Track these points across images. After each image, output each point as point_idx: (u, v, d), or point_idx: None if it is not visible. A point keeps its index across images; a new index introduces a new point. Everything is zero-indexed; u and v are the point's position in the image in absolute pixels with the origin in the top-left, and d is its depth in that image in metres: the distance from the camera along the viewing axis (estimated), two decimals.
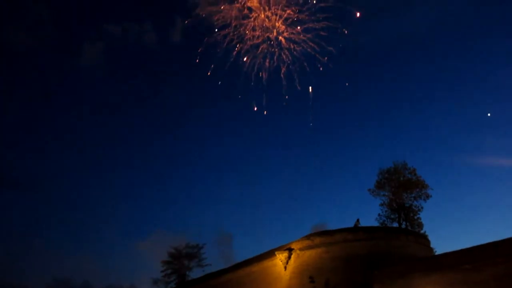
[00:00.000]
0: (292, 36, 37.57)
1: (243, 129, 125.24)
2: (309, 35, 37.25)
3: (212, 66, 41.73)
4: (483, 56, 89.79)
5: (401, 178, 44.73)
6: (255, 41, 38.07)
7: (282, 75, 40.03)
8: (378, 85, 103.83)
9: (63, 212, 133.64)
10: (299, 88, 40.88)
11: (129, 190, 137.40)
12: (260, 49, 38.60)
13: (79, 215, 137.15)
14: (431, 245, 36.94)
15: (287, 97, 43.13)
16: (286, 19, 36.95)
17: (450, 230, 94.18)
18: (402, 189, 44.34)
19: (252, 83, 40.79)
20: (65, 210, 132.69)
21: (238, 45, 38.42)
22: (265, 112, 44.58)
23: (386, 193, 45.51)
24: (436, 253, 35.24)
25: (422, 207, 44.74)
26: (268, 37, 37.44)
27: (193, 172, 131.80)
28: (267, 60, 39.42)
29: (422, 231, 42.26)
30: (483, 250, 23.24)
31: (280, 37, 37.91)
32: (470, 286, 22.06)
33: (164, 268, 65.64)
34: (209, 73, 42.28)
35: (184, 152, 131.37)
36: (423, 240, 35.82)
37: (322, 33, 36.73)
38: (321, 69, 38.29)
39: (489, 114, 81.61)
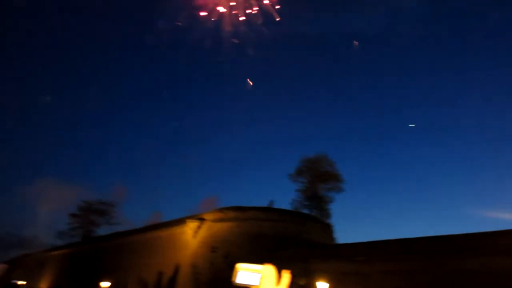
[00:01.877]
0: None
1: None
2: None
3: None
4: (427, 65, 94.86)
5: (320, 169, 46.85)
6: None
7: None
8: (319, 77, 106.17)
9: None
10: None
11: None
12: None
13: None
14: (334, 235, 39.36)
15: None
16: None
17: (354, 224, 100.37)
18: (318, 179, 46.47)
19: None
20: None
21: None
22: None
23: (304, 181, 47.54)
24: (337, 243, 37.54)
25: (333, 199, 47.37)
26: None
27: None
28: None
29: (329, 221, 44.73)
30: (376, 246, 25.37)
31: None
32: (361, 277, 23.94)
33: (71, 221, 63.67)
34: None
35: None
36: (328, 229, 37.98)
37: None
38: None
39: (413, 125, 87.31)
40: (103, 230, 61.58)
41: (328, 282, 23.08)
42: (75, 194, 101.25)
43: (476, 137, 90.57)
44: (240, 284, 1.55)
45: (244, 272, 1.57)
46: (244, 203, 37.37)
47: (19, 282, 48.22)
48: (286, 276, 1.58)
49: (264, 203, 37.51)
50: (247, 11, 33.78)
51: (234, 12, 34.67)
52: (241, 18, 34.29)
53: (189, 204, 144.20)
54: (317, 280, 22.94)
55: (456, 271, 19.77)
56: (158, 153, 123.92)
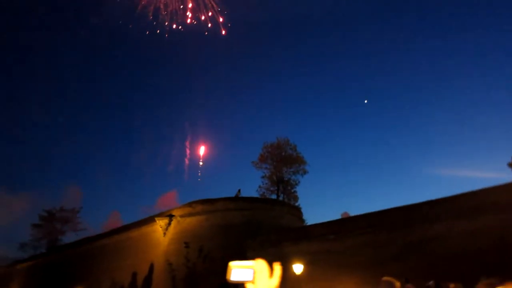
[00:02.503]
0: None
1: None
2: None
3: None
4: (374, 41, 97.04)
5: (283, 153, 47.34)
6: None
7: None
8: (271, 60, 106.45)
9: None
10: None
11: None
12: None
13: None
14: (303, 217, 40.09)
15: None
16: None
17: (321, 204, 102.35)
18: (282, 164, 46.98)
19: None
20: None
21: None
22: None
23: (268, 166, 47.95)
24: (306, 224, 38.28)
25: (299, 182, 48.11)
26: None
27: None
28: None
29: (297, 204, 45.45)
30: (345, 223, 26.12)
31: None
32: (333, 254, 24.60)
33: (34, 232, 61.62)
34: None
35: None
36: (296, 211, 38.63)
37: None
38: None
39: (366, 101, 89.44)
40: (68, 238, 60.13)
41: (302, 263, 23.56)
42: (28, 203, 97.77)
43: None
44: (234, 281, 1.64)
45: (237, 269, 1.66)
46: (211, 195, 37.40)
47: None
48: (278, 268, 1.68)
49: (231, 193, 37.63)
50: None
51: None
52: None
53: (148, 201, 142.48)
54: (292, 263, 23.36)
55: (422, 238, 20.67)
56: (107, 152, 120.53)
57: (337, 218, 26.88)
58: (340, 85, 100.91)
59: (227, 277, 1.67)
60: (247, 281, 1.66)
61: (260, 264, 1.67)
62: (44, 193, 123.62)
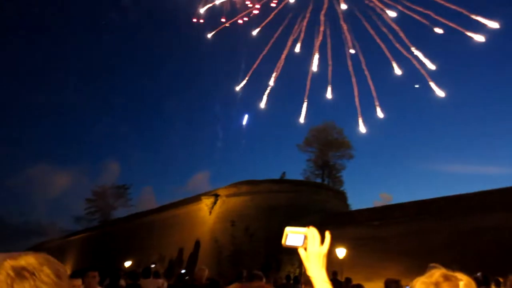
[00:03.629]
0: None
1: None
2: None
3: None
4: None
5: (329, 137, 46.85)
6: None
7: None
8: None
9: None
10: None
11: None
12: None
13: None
14: (348, 202, 39.76)
15: None
16: None
17: (367, 190, 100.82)
18: (328, 148, 46.56)
19: None
20: None
21: None
22: None
23: (314, 150, 47.70)
24: (352, 209, 37.97)
25: (344, 166, 47.60)
26: None
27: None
28: None
29: (341, 188, 45.05)
30: (390, 210, 25.71)
31: None
32: (378, 240, 24.37)
33: (89, 206, 64.85)
34: None
35: None
36: (341, 196, 38.35)
37: None
38: None
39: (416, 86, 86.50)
40: (120, 213, 62.83)
41: (345, 248, 23.50)
42: (74, 178, 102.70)
43: None
44: (288, 245, 1.77)
45: (292, 234, 1.78)
46: (256, 177, 37.79)
47: None
48: (328, 236, 1.79)
49: (276, 176, 37.92)
50: None
51: None
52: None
53: (180, 182, 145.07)
54: (335, 247, 23.35)
55: (470, 229, 20.03)
56: (141, 132, 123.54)
57: (378, 202, 26.43)
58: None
59: (282, 241, 1.80)
60: (299, 246, 1.78)
61: (312, 231, 1.78)
62: (86, 168, 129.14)
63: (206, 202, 36.09)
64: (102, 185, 64.91)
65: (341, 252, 23.37)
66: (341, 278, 15.55)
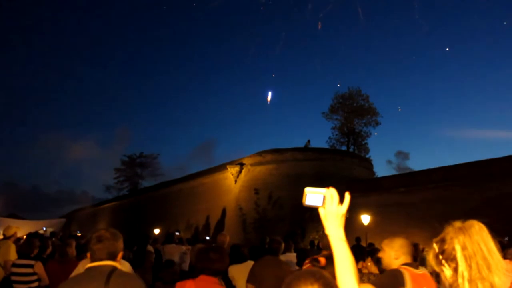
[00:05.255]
0: None
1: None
2: None
3: None
4: None
5: (354, 104, 46.20)
6: None
7: None
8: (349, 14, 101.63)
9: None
10: None
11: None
12: None
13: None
14: (374, 169, 39.56)
15: None
16: None
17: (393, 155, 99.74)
18: (354, 115, 46.00)
19: None
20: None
21: None
22: None
23: (339, 117, 47.23)
24: (377, 177, 37.83)
25: (370, 133, 47.09)
26: None
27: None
28: None
29: (367, 156, 44.78)
30: (416, 176, 25.49)
31: None
32: (403, 207, 24.36)
33: (117, 175, 66.72)
34: None
35: None
36: (367, 164, 38.13)
37: None
38: None
39: (447, 48, 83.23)
40: (148, 182, 64.42)
41: (370, 215, 23.61)
42: (92, 147, 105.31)
43: None
44: (308, 205, 1.83)
45: (311, 194, 1.84)
46: (281, 145, 37.83)
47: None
48: (347, 197, 1.85)
49: (301, 144, 37.84)
50: None
51: None
52: None
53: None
54: (360, 214, 23.49)
55: (497, 195, 19.75)
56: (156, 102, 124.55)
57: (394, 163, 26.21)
58: (414, 28, 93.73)
59: (302, 201, 1.86)
60: (318, 206, 1.84)
61: (331, 191, 1.83)
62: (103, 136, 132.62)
63: (232, 170, 36.53)
64: (130, 155, 66.51)
65: (365, 219, 23.52)
66: (365, 244, 15.73)
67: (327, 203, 1.81)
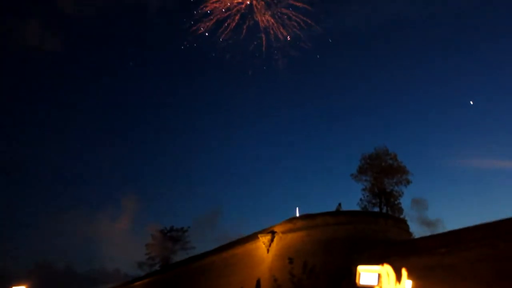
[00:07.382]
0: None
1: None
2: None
3: None
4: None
5: (383, 164, 45.69)
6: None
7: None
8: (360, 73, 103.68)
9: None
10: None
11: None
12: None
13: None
14: (410, 230, 38.10)
15: None
16: None
17: (430, 216, 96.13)
18: (383, 175, 45.32)
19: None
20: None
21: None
22: None
23: (368, 178, 46.55)
24: (414, 238, 36.36)
25: (402, 193, 45.96)
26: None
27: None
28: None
29: (401, 216, 43.44)
30: (457, 235, 24.27)
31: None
32: (445, 269, 23.00)
33: (148, 251, 66.34)
34: None
35: None
36: (402, 224, 36.87)
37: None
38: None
39: (471, 102, 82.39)
40: (179, 257, 63.60)
41: (411, 279, 22.34)
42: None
43: None
44: (362, 285, 1.70)
45: (365, 273, 1.72)
46: (312, 210, 37.18)
47: None
48: (405, 274, 1.72)
49: (331, 208, 37.17)
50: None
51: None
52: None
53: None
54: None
55: None
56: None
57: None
58: (440, 81, 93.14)
59: (356, 281, 1.73)
60: (373, 285, 1.70)
61: (386, 269, 1.71)
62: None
63: (263, 240, 35.87)
64: (161, 229, 66.42)
65: (407, 285, 22.23)
66: None
67: (383, 282, 1.68)
